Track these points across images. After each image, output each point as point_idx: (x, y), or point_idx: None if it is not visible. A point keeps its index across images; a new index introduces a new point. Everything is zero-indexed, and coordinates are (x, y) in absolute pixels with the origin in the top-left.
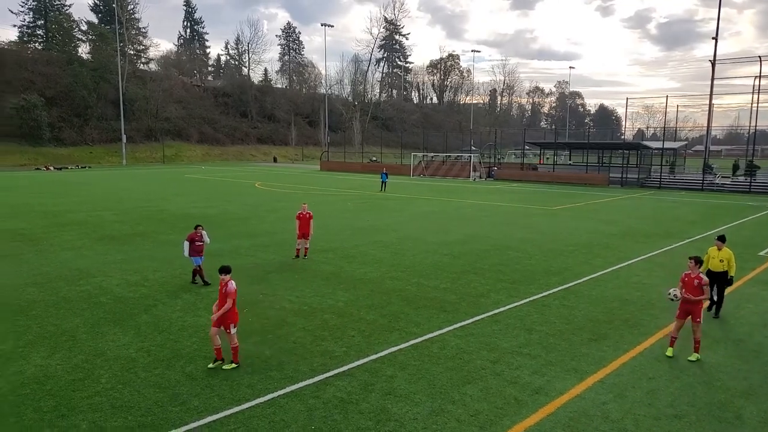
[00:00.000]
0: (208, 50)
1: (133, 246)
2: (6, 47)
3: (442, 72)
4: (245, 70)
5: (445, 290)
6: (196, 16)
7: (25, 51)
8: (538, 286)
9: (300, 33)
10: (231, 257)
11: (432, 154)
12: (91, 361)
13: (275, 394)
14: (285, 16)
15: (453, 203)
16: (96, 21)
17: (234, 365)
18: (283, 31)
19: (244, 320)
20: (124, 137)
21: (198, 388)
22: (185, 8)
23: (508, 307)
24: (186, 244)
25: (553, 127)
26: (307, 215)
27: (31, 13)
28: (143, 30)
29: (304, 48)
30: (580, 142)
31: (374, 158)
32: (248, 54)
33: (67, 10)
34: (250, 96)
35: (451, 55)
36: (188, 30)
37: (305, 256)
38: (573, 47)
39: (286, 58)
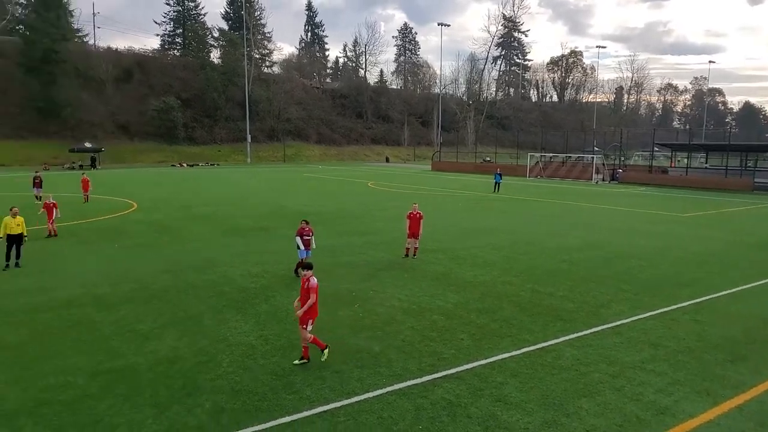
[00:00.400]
0: (327, 53)
1: (254, 239)
2: (150, 55)
3: (563, 69)
4: (362, 71)
5: (562, 298)
6: (317, 20)
7: (166, 58)
8: (665, 298)
9: (416, 33)
10: (344, 253)
11: (550, 155)
12: (214, 346)
13: (384, 390)
14: (402, 17)
15: (572, 207)
16: (226, 28)
17: (304, 361)
18: (399, 32)
19: (355, 315)
20: (248, 137)
21: (311, 378)
22: (307, 13)
23: (630, 319)
24: (298, 238)
25: (687, 127)
26: (418, 215)
27: (172, 23)
28: (268, 35)
29: (419, 48)
30: (720, 144)
31: (488, 158)
32: (365, 56)
33: (201, 18)
34: (366, 97)
35: (573, 52)
36: (309, 34)
37: (414, 255)
38: (713, 39)
39: (402, 58)
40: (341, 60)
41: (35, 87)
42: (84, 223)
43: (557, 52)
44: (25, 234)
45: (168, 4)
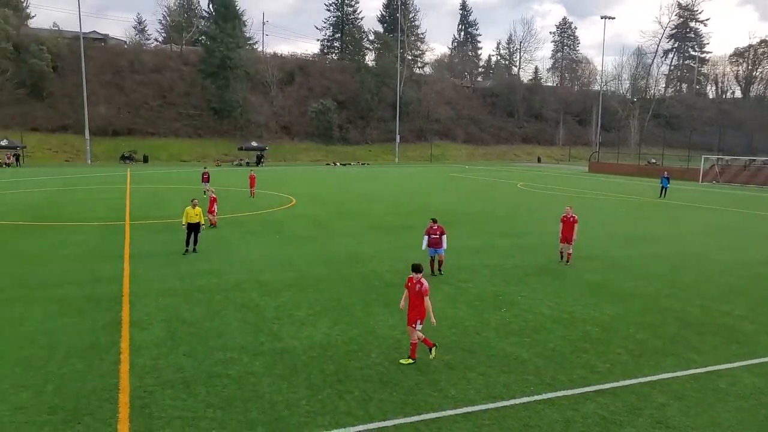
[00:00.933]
0: (479, 51)
1: (400, 236)
2: (310, 59)
3: (749, 61)
4: (515, 69)
5: (740, 318)
6: (471, 18)
7: (324, 61)
8: None
9: (576, 28)
10: (490, 255)
11: (729, 158)
12: (364, 337)
13: (531, 398)
14: (560, 12)
15: (755, 216)
16: (381, 30)
17: (411, 361)
18: (557, 27)
19: (502, 320)
20: (398, 137)
21: (455, 378)
22: (461, 12)
23: None
24: (426, 237)
25: None
26: (572, 219)
27: (331, 28)
28: (421, 36)
29: (579, 43)
30: None
31: (653, 160)
32: (519, 53)
33: (359, 22)
34: (519, 95)
35: (764, 41)
36: (462, 33)
37: (567, 261)
38: None
39: (559, 54)
40: (494, 58)
41: (212, 91)
42: (251, 215)
43: (743, 42)
44: (203, 223)
45: (328, 10)
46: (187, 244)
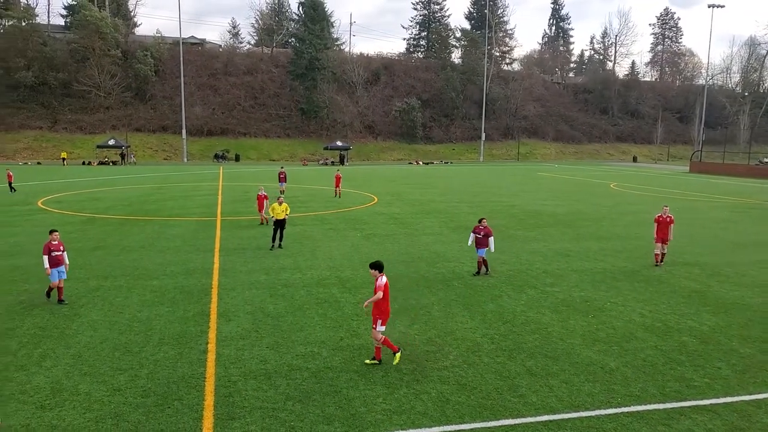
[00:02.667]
0: (571, 46)
1: None
2: (396, 58)
3: None
4: (610, 64)
5: None
6: (563, 12)
7: (410, 60)
8: None
9: (678, 19)
10: (579, 258)
11: None
12: (442, 338)
13: (618, 410)
14: (661, 2)
15: None
16: (468, 27)
17: (375, 361)
18: (658, 19)
19: (589, 326)
20: (483, 135)
21: (537, 384)
22: (552, 6)
23: None
24: (472, 236)
25: None
26: (668, 219)
27: (417, 26)
28: (510, 32)
29: (681, 35)
30: None
31: (765, 159)
32: (615, 47)
33: (445, 20)
34: (613, 91)
35: None
36: (553, 27)
37: (661, 261)
38: None
39: (659, 47)
40: (587, 53)
41: (300, 91)
42: (334, 213)
43: None
44: (287, 215)
45: (415, 8)
46: (273, 240)
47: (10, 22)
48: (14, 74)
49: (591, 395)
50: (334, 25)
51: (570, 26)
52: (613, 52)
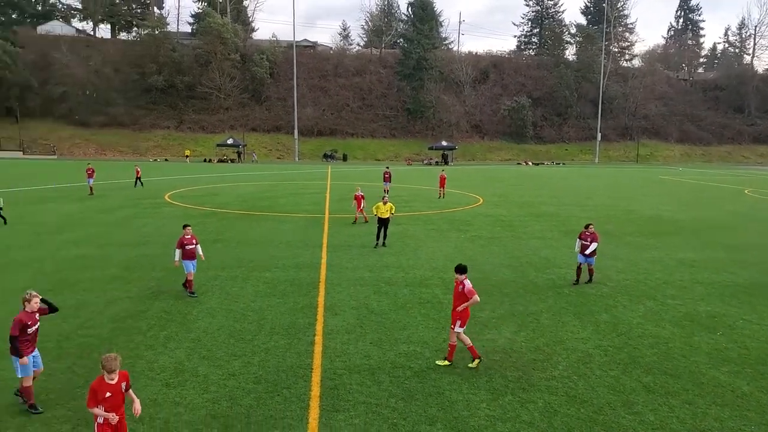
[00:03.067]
0: (701, 40)
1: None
2: (506, 56)
3: None
4: (747, 57)
5: None
6: (692, 3)
7: (520, 58)
8: None
9: None
10: (705, 270)
11: None
12: (551, 347)
13: None
14: None
15: None
16: (584, 23)
17: (447, 362)
18: None
19: (717, 344)
20: (599, 135)
21: (656, 403)
22: None
23: None
24: (578, 242)
25: None
26: None
27: (529, 23)
28: (630, 26)
29: None
30: None
31: None
32: (754, 39)
33: (559, 16)
34: (750, 87)
35: None
36: (681, 20)
37: None
38: None
39: None
40: (720, 46)
41: (407, 92)
42: (437, 213)
43: None
44: (392, 214)
45: (527, 5)
46: (378, 238)
47: (146, 31)
48: (147, 78)
49: (719, 420)
50: (443, 24)
51: (701, 17)
52: (752, 44)
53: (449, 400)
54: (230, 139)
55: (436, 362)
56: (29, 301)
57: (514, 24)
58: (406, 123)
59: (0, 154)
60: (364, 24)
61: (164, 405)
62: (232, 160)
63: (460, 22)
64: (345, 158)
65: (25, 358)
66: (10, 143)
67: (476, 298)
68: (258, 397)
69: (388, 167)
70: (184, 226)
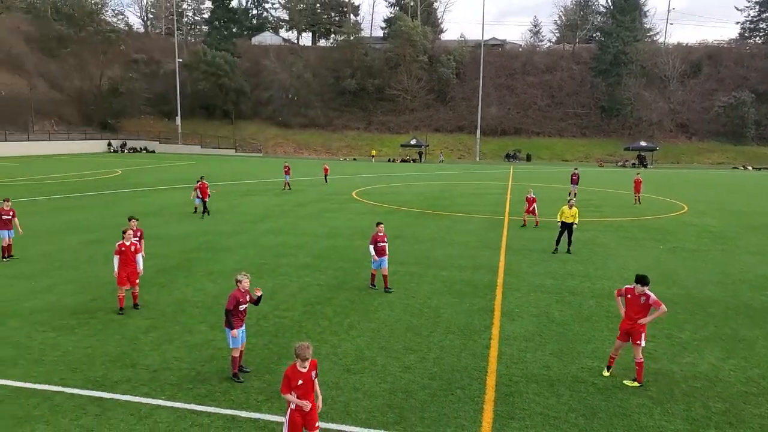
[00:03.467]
0: None
1: None
2: (724, 46)
3: None
4: None
5: None
6: None
7: (743, 47)
8: None
9: None
10: None
11: None
12: (767, 379)
13: None
14: None
15: None
16: None
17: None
18: None
19: None
20: None
21: None
22: None
23: None
24: None
25: None
26: None
27: (756, 7)
28: None
29: None
30: None
31: None
32: None
33: None
34: None
35: None
36: None
37: None
38: None
39: None
40: None
41: (602, 88)
42: (631, 220)
43: None
44: (576, 223)
45: None
46: (558, 243)
47: (342, 38)
48: (342, 82)
49: None
50: (647, 14)
51: None
52: None
53: (637, 425)
54: (413, 140)
55: (624, 382)
56: (241, 281)
57: (737, 9)
58: (599, 122)
59: (219, 151)
60: (556, 19)
61: (345, 389)
62: (414, 160)
63: (668, 11)
64: (529, 158)
65: (235, 331)
66: (225, 142)
67: (664, 307)
68: (432, 394)
69: (576, 168)
70: (377, 224)
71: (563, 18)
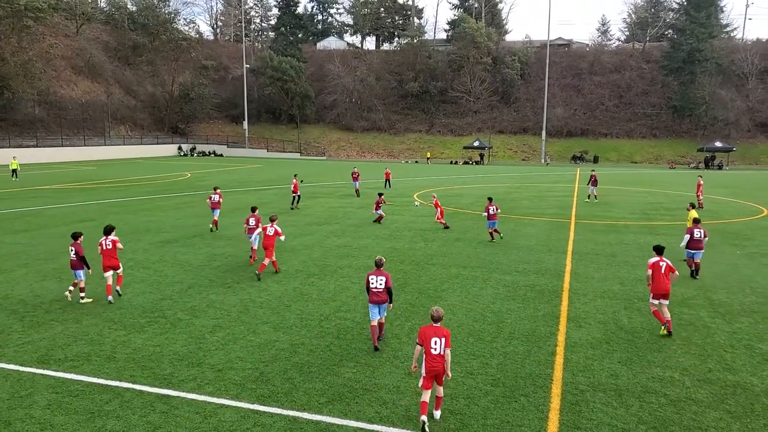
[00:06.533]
0: None
1: None
2: None
3: None
4: None
5: None
6: None
7: None
8: None
9: None
10: None
11: None
12: None
13: None
14: None
15: None
16: None
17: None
18: None
19: None
20: None
21: None
22: None
23: None
24: None
25: None
26: None
27: None
28: None
29: None
30: None
31: None
32: None
33: None
34: None
35: None
36: None
37: None
38: None
39: None
40: None
41: (674, 87)
42: (705, 224)
43: None
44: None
45: None
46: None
47: (405, 41)
48: (404, 85)
49: None
50: (723, 10)
51: None
52: None
53: None
54: (476, 142)
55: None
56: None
57: None
58: (671, 122)
59: (284, 154)
60: (626, 17)
61: (406, 393)
62: (476, 162)
63: (747, 6)
64: (596, 160)
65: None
66: (290, 146)
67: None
68: (495, 400)
69: (594, 171)
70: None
71: (633, 16)
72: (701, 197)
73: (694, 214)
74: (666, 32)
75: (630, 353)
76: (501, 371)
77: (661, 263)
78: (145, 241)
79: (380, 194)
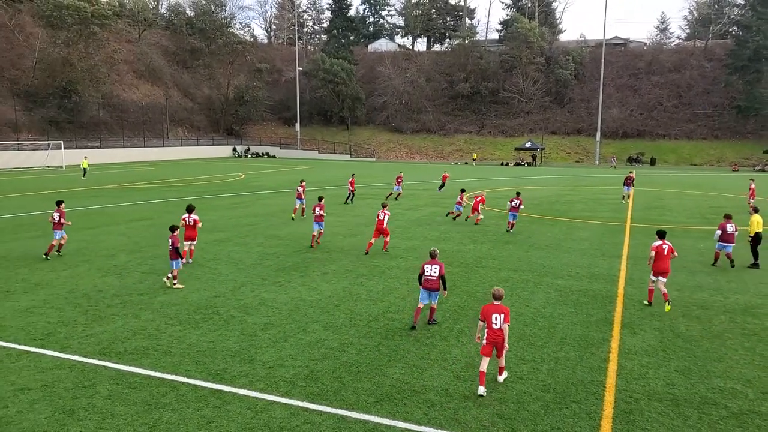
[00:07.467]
0: None
1: None
2: None
3: None
4: None
5: None
6: None
7: None
8: None
9: None
10: None
11: None
12: None
13: None
14: None
15: None
16: None
17: (646, 303)
18: None
19: None
20: None
21: None
22: None
23: None
24: None
25: None
26: None
27: None
28: None
29: None
30: None
31: None
32: None
33: None
34: None
35: None
36: None
37: None
38: None
39: None
40: None
41: (738, 87)
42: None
43: None
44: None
45: None
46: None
47: (456, 42)
48: (455, 86)
49: None
50: None
51: None
52: None
53: None
54: (528, 143)
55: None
56: (435, 255)
57: None
58: (734, 123)
59: (335, 156)
60: (687, 14)
61: (454, 396)
62: (528, 164)
63: None
64: (653, 162)
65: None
66: (340, 147)
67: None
68: (545, 406)
69: (631, 172)
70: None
71: (695, 13)
72: (752, 200)
73: (757, 218)
74: (730, 29)
75: (688, 362)
76: (552, 377)
77: (663, 246)
78: (200, 239)
79: (462, 190)
